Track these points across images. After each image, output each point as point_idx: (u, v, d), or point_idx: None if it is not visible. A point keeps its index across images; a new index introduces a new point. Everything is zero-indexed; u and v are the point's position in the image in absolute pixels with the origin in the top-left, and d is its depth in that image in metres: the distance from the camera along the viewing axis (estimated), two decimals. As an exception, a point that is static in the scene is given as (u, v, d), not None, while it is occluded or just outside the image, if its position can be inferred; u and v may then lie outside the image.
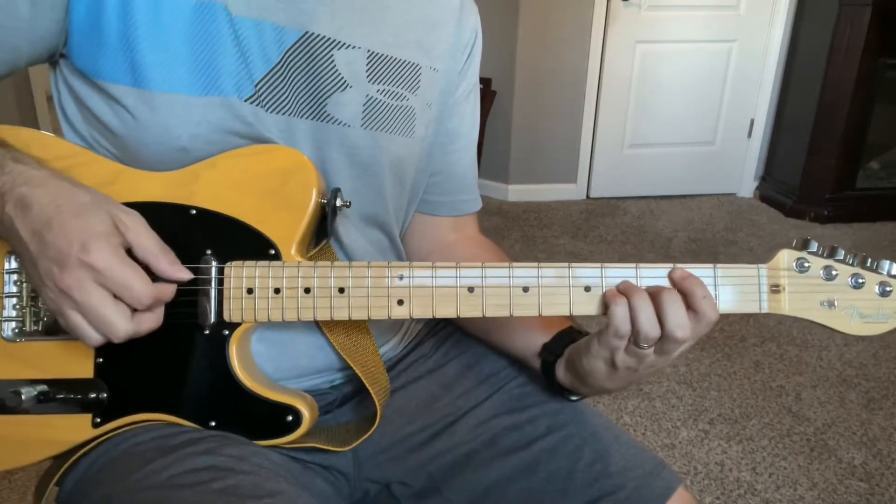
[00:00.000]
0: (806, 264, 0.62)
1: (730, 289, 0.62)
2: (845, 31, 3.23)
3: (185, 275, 0.59)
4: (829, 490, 1.69)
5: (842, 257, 0.62)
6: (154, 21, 0.61)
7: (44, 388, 0.63)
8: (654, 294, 0.59)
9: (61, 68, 0.66)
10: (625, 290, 0.60)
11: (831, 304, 0.62)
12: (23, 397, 0.62)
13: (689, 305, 0.59)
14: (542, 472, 0.68)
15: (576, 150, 3.70)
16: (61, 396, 0.64)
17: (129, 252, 0.57)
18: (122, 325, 0.55)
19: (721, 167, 3.85)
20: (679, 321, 0.58)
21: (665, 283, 0.61)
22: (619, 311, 0.59)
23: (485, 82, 3.45)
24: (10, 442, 0.65)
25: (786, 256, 0.63)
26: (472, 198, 0.87)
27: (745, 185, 3.89)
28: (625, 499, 0.67)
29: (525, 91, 3.55)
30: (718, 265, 0.62)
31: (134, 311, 0.56)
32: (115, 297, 0.55)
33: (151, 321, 0.58)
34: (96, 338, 0.56)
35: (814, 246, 0.63)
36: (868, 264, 0.62)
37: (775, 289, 0.62)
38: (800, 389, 2.10)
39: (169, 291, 0.58)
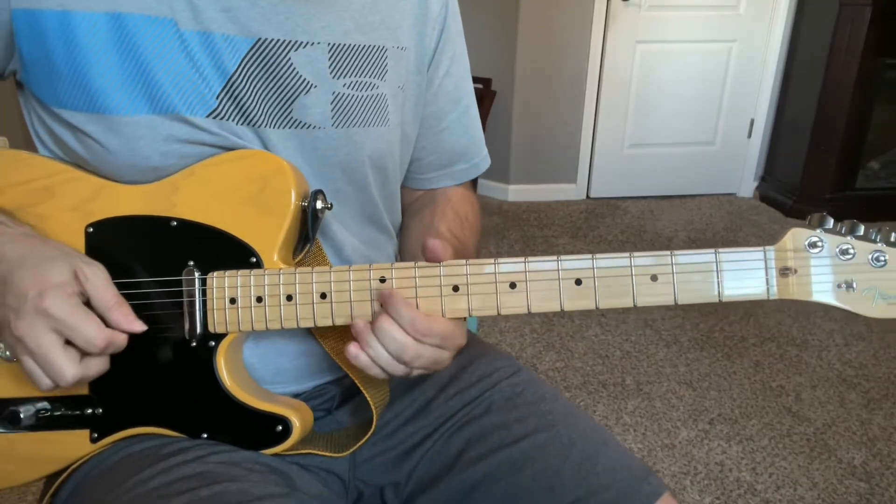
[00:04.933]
0: (819, 243, 0.57)
1: (733, 274, 0.58)
2: (845, 31, 3.23)
3: (138, 327, 0.60)
4: (829, 490, 1.69)
5: (862, 233, 0.57)
6: (102, 44, 0.60)
7: (42, 405, 0.64)
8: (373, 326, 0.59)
9: (26, 93, 0.65)
10: (357, 337, 0.59)
11: (849, 286, 0.57)
12: (21, 415, 0.63)
13: (402, 326, 0.58)
14: (529, 469, 0.68)
15: (576, 150, 3.70)
16: (59, 413, 0.64)
17: (89, 303, 0.58)
18: (69, 370, 0.56)
19: (721, 167, 3.85)
20: (396, 348, 0.58)
21: (661, 269, 0.59)
22: (362, 362, 0.59)
23: (485, 82, 3.45)
24: (11, 459, 0.66)
25: (796, 236, 0.58)
26: (468, 165, 0.84)
27: (745, 185, 3.88)
28: (611, 499, 0.66)
29: (525, 91, 3.54)
30: (720, 249, 0.58)
31: (84, 356, 0.58)
32: (67, 342, 0.56)
33: (99, 365, 0.59)
34: (47, 383, 0.57)
35: (829, 222, 0.57)
36: (892, 239, 0.56)
37: (784, 272, 0.58)
38: (800, 389, 2.10)
39: (121, 339, 0.59)
